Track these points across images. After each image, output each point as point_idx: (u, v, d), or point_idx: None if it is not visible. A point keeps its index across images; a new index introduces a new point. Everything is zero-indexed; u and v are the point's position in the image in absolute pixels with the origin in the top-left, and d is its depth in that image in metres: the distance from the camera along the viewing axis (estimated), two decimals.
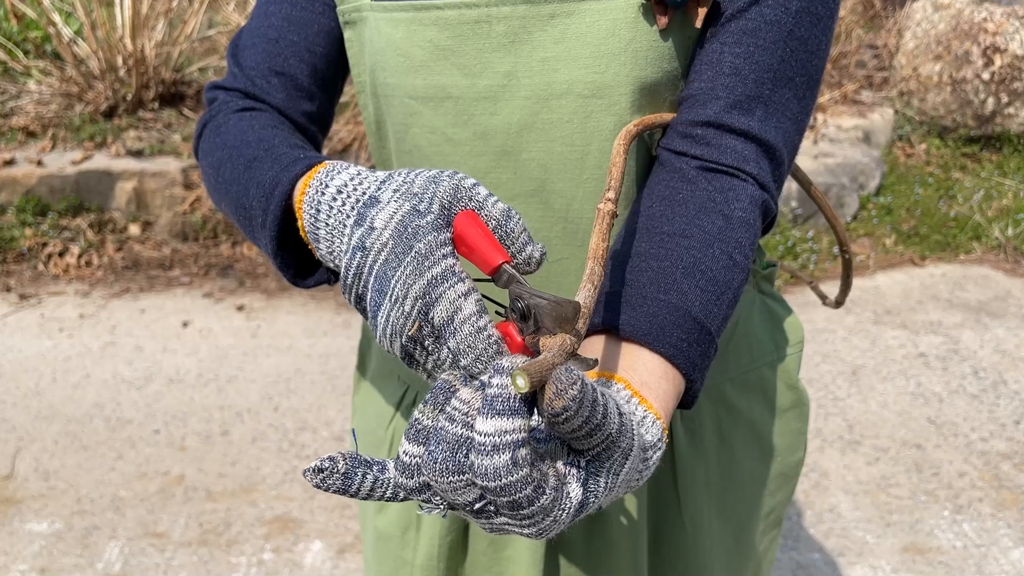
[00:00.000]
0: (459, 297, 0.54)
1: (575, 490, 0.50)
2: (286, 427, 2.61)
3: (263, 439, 2.56)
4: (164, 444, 2.54)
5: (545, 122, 0.75)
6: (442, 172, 0.58)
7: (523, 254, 0.57)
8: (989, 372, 2.89)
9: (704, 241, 0.68)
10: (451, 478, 0.48)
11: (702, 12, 0.70)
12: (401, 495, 0.54)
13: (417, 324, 0.54)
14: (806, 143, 4.15)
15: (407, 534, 0.97)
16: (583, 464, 0.50)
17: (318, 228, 0.61)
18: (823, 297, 1.10)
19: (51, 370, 2.91)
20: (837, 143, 4.20)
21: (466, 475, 0.48)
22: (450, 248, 0.55)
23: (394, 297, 0.54)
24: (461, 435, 0.48)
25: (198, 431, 2.59)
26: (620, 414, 0.49)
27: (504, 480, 0.47)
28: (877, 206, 4.04)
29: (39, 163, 3.69)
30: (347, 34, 0.84)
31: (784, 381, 0.95)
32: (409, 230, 0.55)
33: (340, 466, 0.53)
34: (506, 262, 0.55)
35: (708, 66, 0.72)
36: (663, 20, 0.70)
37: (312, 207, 0.61)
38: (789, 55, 0.71)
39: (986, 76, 4.36)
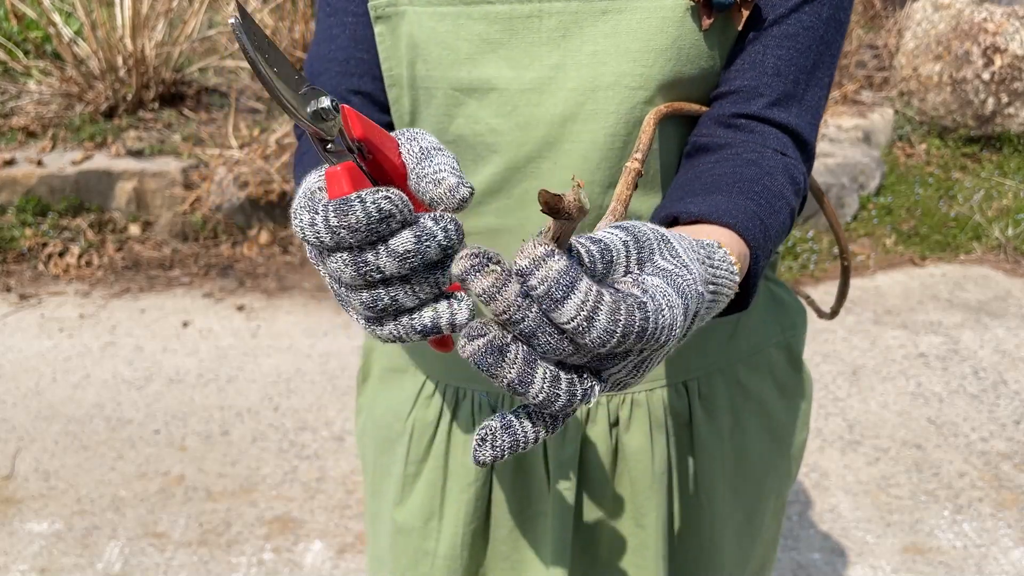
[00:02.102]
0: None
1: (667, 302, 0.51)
2: (286, 427, 2.61)
3: (263, 439, 2.56)
4: (164, 444, 2.54)
5: (589, 112, 0.77)
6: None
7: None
8: (989, 372, 2.89)
9: (765, 170, 0.74)
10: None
11: (744, 14, 0.76)
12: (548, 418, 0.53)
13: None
14: None
15: (429, 524, 0.97)
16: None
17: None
18: (819, 311, 1.12)
19: (51, 370, 2.91)
20: (837, 143, 4.20)
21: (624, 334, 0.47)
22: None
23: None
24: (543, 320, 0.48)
25: (198, 431, 2.59)
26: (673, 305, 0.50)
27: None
28: (877, 206, 4.04)
29: (39, 163, 3.69)
30: (378, 28, 0.84)
31: (790, 362, 0.99)
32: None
33: (496, 424, 0.52)
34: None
35: (751, 66, 0.78)
36: (707, 21, 0.75)
37: None
38: (819, 57, 0.78)
39: (986, 76, 4.36)
